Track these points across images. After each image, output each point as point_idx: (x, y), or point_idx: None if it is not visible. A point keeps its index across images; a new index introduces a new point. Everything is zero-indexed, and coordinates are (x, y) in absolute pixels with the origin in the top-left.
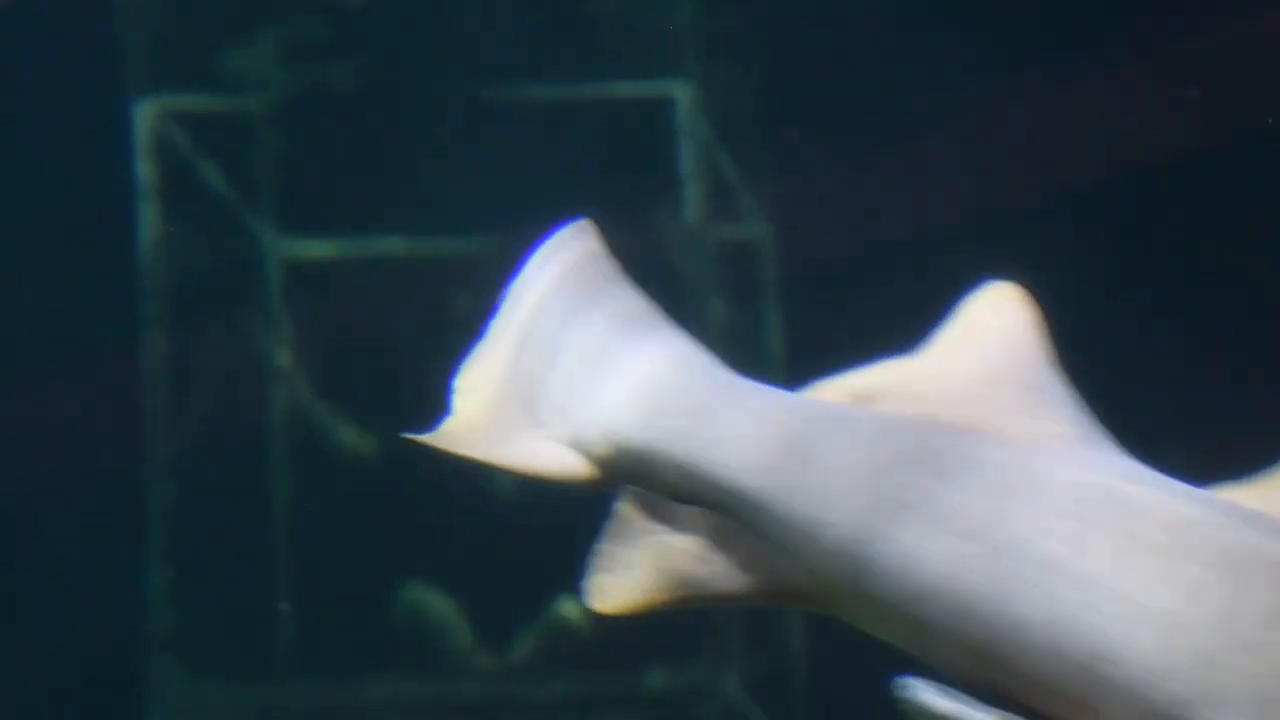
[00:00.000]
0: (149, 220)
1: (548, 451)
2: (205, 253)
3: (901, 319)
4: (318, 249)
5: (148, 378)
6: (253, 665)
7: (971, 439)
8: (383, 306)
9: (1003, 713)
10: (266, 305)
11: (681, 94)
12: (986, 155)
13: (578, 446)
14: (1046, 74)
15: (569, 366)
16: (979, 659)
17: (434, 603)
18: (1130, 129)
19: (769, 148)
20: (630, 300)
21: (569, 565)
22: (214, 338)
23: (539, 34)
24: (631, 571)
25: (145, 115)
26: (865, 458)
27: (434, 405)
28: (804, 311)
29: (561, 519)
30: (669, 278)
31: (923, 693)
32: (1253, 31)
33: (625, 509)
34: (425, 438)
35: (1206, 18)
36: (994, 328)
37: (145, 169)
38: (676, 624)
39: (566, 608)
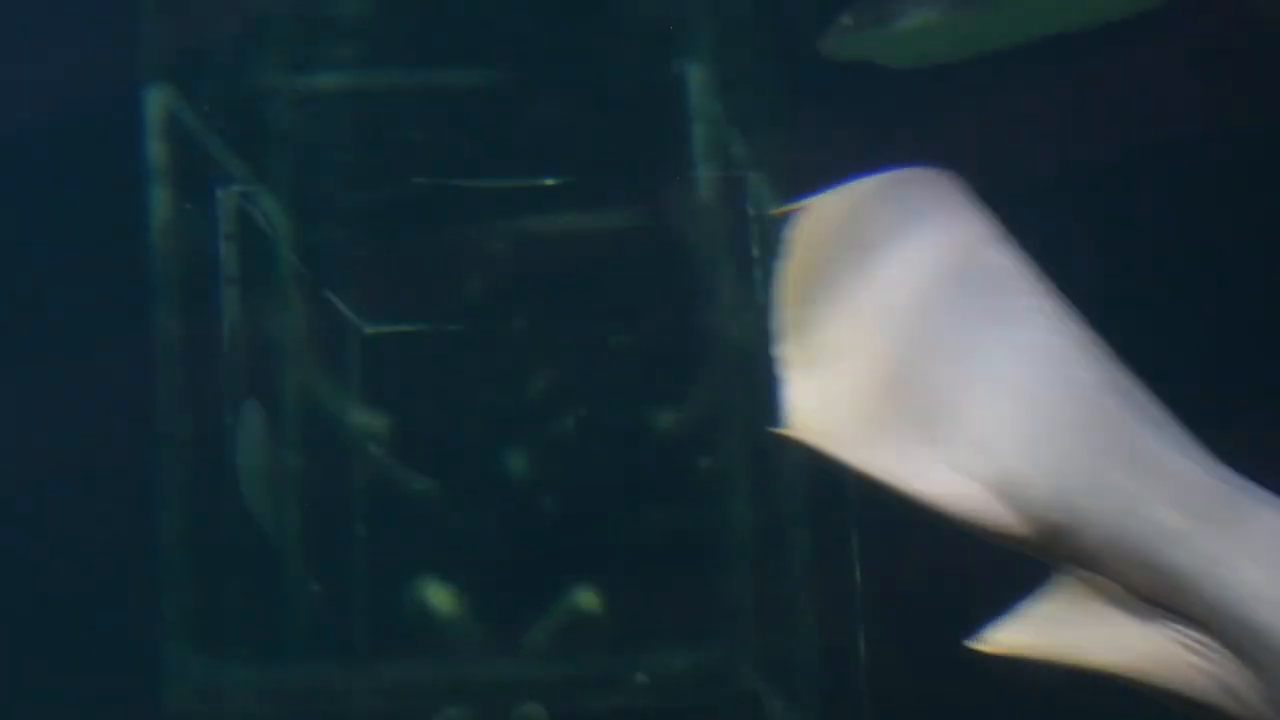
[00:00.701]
0: (160, 202)
1: (966, 491)
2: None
3: None
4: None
5: (159, 360)
6: (266, 647)
7: None
8: (395, 285)
9: None
10: (279, 286)
11: (694, 75)
12: (997, 136)
13: (1005, 496)
14: (1063, 53)
15: (988, 385)
16: None
17: (447, 588)
18: (1146, 111)
19: (782, 129)
20: (1052, 311)
21: (583, 551)
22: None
23: (550, 16)
24: (1062, 637)
25: (157, 97)
26: None
27: (453, 389)
28: None
29: (576, 507)
30: (680, 256)
31: None
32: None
33: (1069, 590)
34: (791, 431)
35: None
36: None
37: (156, 151)
38: (690, 608)
39: (580, 594)
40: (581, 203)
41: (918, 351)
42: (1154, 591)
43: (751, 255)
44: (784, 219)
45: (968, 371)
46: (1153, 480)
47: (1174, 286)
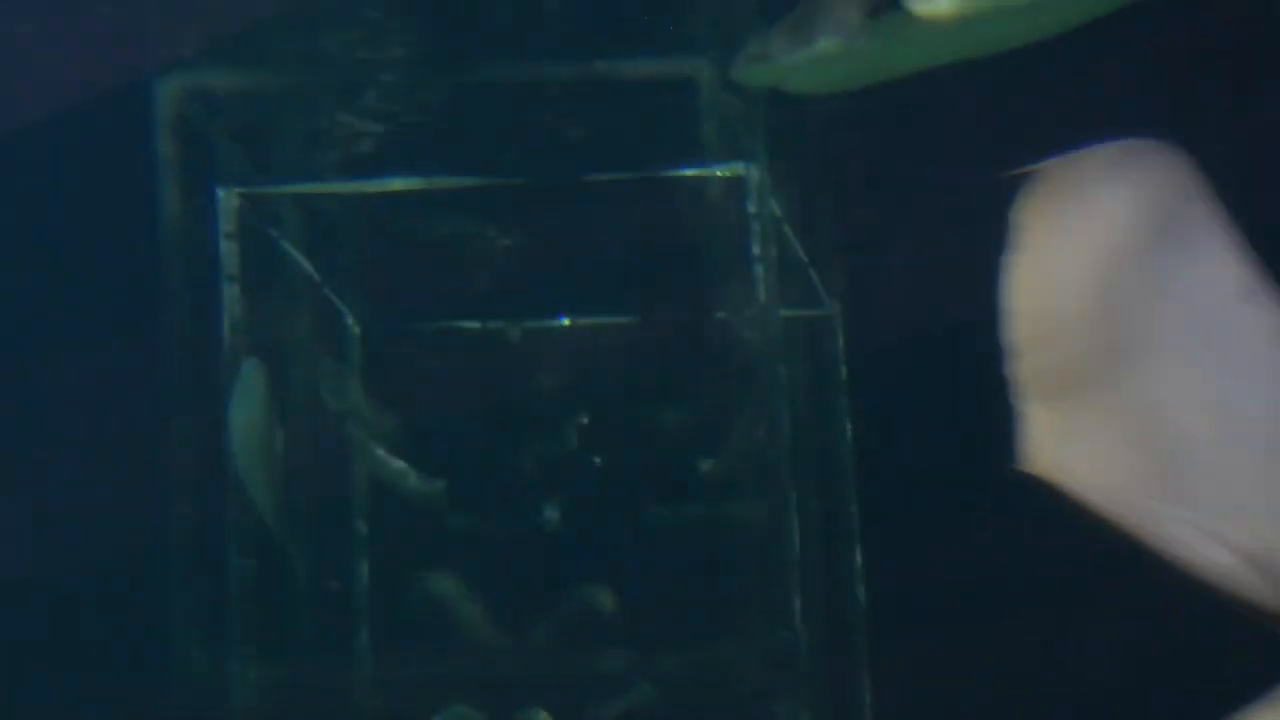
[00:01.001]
0: (170, 198)
1: (1221, 559)
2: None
3: (935, 281)
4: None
5: (168, 355)
6: (273, 643)
7: None
8: (399, 276)
9: None
10: (287, 280)
11: (705, 72)
12: (998, 135)
13: (1263, 569)
14: (1065, 53)
15: (1245, 447)
16: None
17: (453, 584)
18: (1146, 111)
19: (786, 128)
20: None
21: (588, 551)
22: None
23: (562, 11)
24: None
25: (167, 92)
26: None
27: (454, 387)
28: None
29: (583, 506)
30: (692, 251)
31: None
32: None
33: None
34: (1033, 468)
35: None
36: None
37: (166, 146)
38: (695, 607)
39: (586, 593)
40: (584, 201)
41: (1170, 397)
42: None
43: (753, 253)
44: (1011, 186)
45: (1223, 429)
46: None
47: None
